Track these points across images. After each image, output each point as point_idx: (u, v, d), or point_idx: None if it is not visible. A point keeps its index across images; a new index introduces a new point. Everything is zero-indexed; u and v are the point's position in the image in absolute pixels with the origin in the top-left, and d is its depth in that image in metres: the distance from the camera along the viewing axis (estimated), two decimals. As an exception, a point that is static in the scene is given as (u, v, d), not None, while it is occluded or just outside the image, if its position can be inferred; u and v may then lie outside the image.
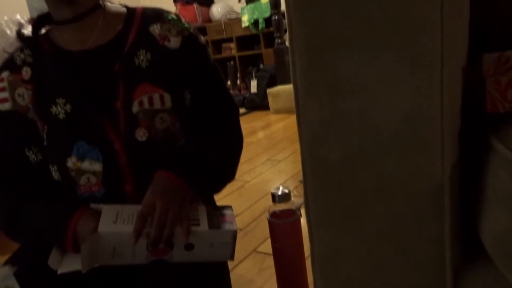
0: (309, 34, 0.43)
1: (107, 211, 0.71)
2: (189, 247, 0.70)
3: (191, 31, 0.83)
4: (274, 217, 1.00)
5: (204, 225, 0.71)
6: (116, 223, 0.69)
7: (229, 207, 0.83)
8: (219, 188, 0.89)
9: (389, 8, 0.38)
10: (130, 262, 0.69)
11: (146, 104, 0.76)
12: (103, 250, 0.67)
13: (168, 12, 0.84)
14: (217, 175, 0.86)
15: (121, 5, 0.85)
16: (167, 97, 0.77)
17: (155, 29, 0.80)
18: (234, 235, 0.72)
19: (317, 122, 0.45)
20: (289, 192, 1.00)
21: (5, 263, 0.76)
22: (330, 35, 0.42)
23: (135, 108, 0.75)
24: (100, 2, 0.79)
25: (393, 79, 0.40)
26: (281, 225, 0.99)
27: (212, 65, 0.87)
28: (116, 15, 0.82)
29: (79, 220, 0.72)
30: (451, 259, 0.44)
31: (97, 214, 0.71)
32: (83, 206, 0.74)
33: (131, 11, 0.83)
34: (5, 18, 1.74)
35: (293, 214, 0.99)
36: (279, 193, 1.00)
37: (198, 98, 0.84)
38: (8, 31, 1.62)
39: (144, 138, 0.76)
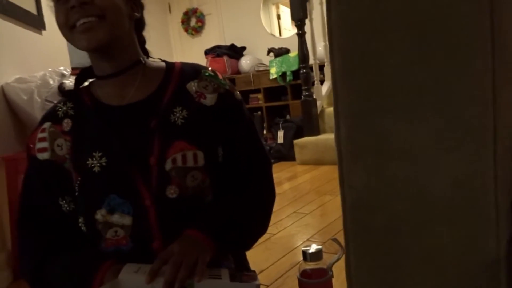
0: (355, 99, 0.43)
1: (130, 264, 0.72)
2: None
3: (227, 87, 0.85)
4: (305, 276, 0.96)
5: (225, 278, 0.70)
6: (137, 273, 0.69)
7: (253, 271, 0.82)
8: (250, 244, 0.87)
9: (440, 76, 0.38)
10: None
11: (179, 162, 0.76)
12: None
13: (205, 69, 0.86)
14: (247, 233, 0.84)
15: (160, 60, 0.88)
16: (200, 155, 0.77)
17: (192, 86, 0.82)
18: None
19: (362, 186, 0.44)
20: (321, 250, 0.97)
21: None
22: (378, 100, 0.42)
23: (168, 165, 0.76)
24: (140, 58, 0.82)
25: (443, 146, 0.39)
26: (313, 285, 0.95)
27: (247, 120, 0.88)
28: (155, 70, 0.84)
29: (106, 273, 0.71)
30: None
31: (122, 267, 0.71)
32: (111, 259, 0.74)
33: (170, 66, 0.86)
34: (49, 69, 1.83)
35: (325, 274, 0.95)
36: (311, 251, 0.97)
37: (232, 154, 0.84)
38: (51, 82, 1.71)
39: (174, 196, 0.76)
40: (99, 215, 0.75)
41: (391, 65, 0.40)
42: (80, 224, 0.78)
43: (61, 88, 0.85)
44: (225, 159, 0.83)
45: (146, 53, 0.88)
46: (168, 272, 0.66)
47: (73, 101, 0.83)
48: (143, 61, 0.83)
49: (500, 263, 0.39)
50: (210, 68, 0.87)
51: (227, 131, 0.83)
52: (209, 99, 0.81)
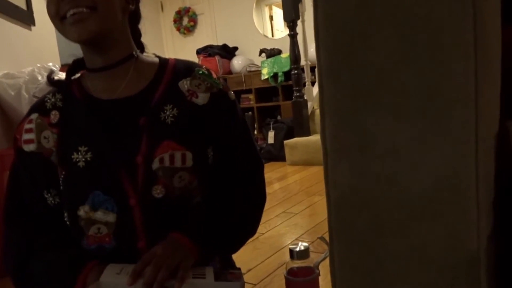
0: (340, 98, 0.44)
1: (113, 265, 0.71)
2: None
3: (221, 86, 0.83)
4: (292, 274, 0.96)
5: (209, 278, 0.70)
6: (119, 275, 0.68)
7: (238, 268, 0.81)
8: (237, 248, 0.86)
9: (424, 76, 0.39)
10: None
11: (166, 162, 0.74)
12: None
13: (199, 67, 0.84)
14: (234, 237, 0.83)
15: (154, 55, 0.87)
16: (189, 156, 0.76)
17: (184, 84, 0.80)
18: None
19: (346, 185, 0.44)
20: (308, 248, 0.97)
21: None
22: (363, 99, 0.42)
23: (155, 165, 0.74)
24: (133, 52, 0.80)
25: (426, 146, 0.40)
26: (300, 283, 0.96)
27: (240, 120, 0.86)
28: (148, 65, 0.82)
29: (88, 274, 0.70)
30: (488, 337, 0.41)
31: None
32: (94, 260, 0.73)
33: (163, 63, 0.84)
34: (38, 65, 1.82)
35: (312, 272, 0.95)
36: (298, 249, 0.97)
37: (223, 155, 0.82)
38: (40, 78, 1.69)
39: (160, 196, 0.74)
40: (82, 211, 0.74)
41: (375, 65, 0.40)
42: (65, 219, 0.77)
43: (50, 78, 0.83)
44: (216, 160, 0.81)
45: (141, 46, 0.86)
46: (148, 273, 0.65)
47: (63, 92, 0.81)
48: (136, 55, 0.81)
49: (480, 260, 0.40)
50: (204, 67, 0.85)
51: (219, 131, 0.81)
52: (201, 98, 0.80)
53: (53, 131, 0.78)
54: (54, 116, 0.79)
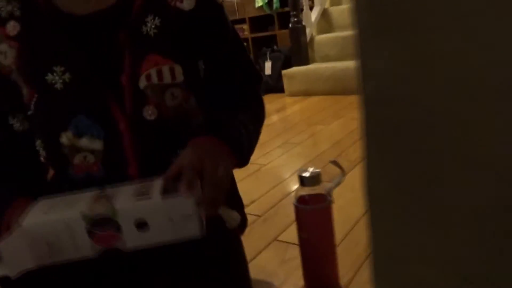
0: None
1: (43, 202, 0.59)
2: (141, 225, 0.57)
3: None
4: (302, 202, 0.89)
5: (155, 197, 0.58)
6: (47, 213, 0.56)
7: (241, 206, 0.75)
8: (251, 151, 0.80)
9: None
10: (75, 256, 0.57)
11: (154, 79, 0.67)
12: (35, 248, 0.55)
13: None
14: (251, 144, 0.78)
15: None
16: (178, 69, 0.69)
17: None
18: (194, 203, 0.58)
19: (386, 71, 0.33)
20: (319, 173, 0.88)
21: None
22: None
23: (142, 83, 0.67)
24: None
25: (503, 7, 0.28)
26: (311, 211, 0.88)
27: (231, 28, 0.79)
28: None
29: (13, 213, 0.62)
30: None
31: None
32: (23, 198, 0.64)
33: None
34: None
35: (324, 199, 0.87)
36: (308, 175, 0.88)
37: (215, 66, 0.76)
38: None
39: (153, 117, 0.68)
40: (65, 138, 0.66)
41: None
42: (38, 148, 0.69)
43: None
44: (208, 75, 0.75)
45: None
46: (207, 191, 0.57)
47: (22, 1, 0.69)
48: None
49: None
50: None
51: (209, 40, 0.74)
52: (187, 2, 0.71)
53: (11, 45, 0.68)
54: (13, 27, 0.68)
